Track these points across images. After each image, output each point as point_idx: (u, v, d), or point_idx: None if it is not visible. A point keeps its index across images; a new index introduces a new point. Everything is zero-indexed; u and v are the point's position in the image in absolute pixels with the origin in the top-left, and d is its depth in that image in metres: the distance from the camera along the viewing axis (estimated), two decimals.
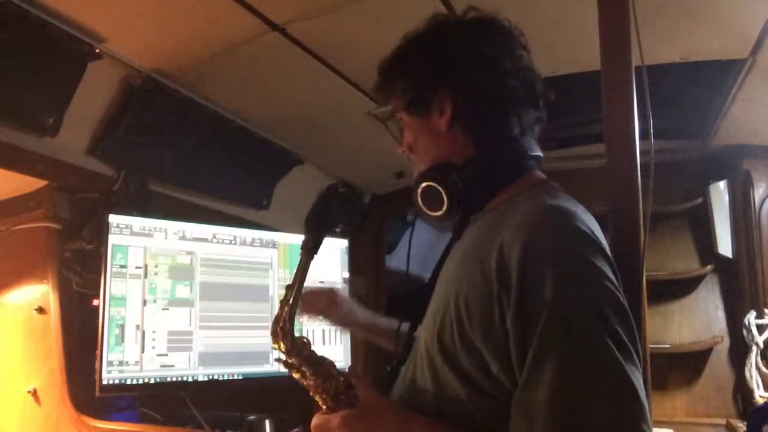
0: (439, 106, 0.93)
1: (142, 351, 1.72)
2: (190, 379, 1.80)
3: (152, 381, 1.73)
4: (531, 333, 0.69)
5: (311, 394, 0.88)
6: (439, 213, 0.92)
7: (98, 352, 1.64)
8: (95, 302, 1.72)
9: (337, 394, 0.85)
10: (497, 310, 0.74)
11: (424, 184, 0.93)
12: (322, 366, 0.87)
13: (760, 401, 2.43)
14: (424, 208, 0.93)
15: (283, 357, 0.87)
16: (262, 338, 1.96)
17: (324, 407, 0.87)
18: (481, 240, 0.84)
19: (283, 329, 0.86)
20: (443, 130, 0.93)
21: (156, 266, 1.79)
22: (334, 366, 0.88)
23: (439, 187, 0.91)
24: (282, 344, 0.86)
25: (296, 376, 0.88)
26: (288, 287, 0.88)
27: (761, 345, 2.51)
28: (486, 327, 0.75)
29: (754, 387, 2.49)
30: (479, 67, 0.92)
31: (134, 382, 1.70)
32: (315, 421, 0.86)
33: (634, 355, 0.70)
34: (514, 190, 0.91)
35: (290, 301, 0.87)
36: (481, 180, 0.91)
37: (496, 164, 0.92)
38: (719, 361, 2.68)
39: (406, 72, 0.96)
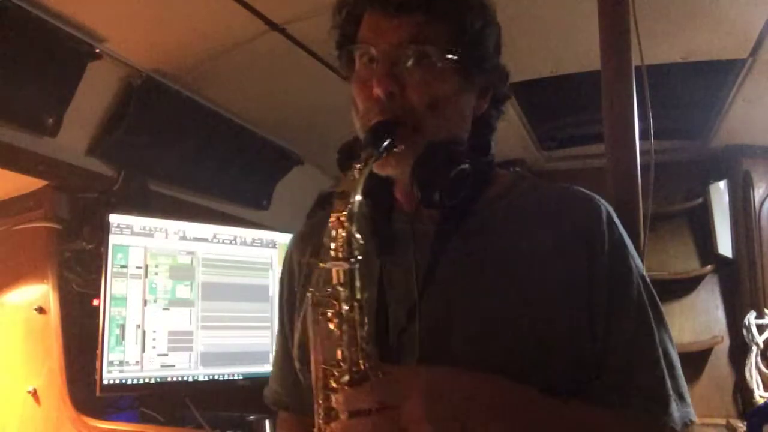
0: (484, 84, 0.83)
1: (143, 351, 1.72)
2: (190, 379, 1.80)
3: (153, 381, 1.73)
4: (626, 295, 0.76)
5: (319, 350, 0.70)
6: (453, 202, 0.78)
7: (99, 352, 1.64)
8: (95, 302, 1.72)
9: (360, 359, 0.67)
10: (585, 278, 0.75)
11: (464, 166, 0.77)
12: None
13: (760, 401, 2.44)
14: (442, 190, 0.76)
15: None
16: (263, 338, 1.96)
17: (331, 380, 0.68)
18: (519, 228, 0.79)
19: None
20: (470, 113, 0.82)
21: (156, 266, 1.79)
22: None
23: (468, 173, 0.77)
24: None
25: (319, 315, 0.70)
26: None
27: (761, 345, 2.52)
28: (573, 293, 0.75)
29: (754, 387, 2.49)
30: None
31: (135, 382, 1.69)
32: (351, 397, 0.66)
33: None
34: (498, 185, 0.85)
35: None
36: (485, 174, 0.84)
37: (492, 161, 0.88)
38: (719, 361, 2.69)
39: (462, 14, 0.79)
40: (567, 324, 0.74)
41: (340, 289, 0.68)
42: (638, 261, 0.80)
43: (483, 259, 0.78)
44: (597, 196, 0.83)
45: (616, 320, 0.75)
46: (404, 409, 0.63)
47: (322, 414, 0.69)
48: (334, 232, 0.68)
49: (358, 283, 0.68)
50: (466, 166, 0.77)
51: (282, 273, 0.99)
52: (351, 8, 0.83)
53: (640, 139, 1.07)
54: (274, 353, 1.02)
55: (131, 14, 1.51)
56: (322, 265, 0.69)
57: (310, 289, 0.70)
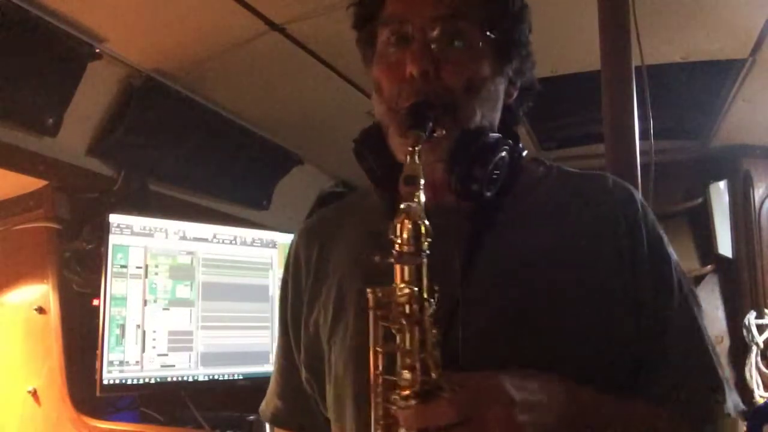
0: (517, 70, 0.78)
1: (143, 351, 1.72)
2: (190, 379, 1.80)
3: (153, 381, 1.73)
4: (666, 283, 0.74)
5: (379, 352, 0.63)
6: (488, 193, 0.72)
7: (99, 352, 1.64)
8: (95, 302, 1.72)
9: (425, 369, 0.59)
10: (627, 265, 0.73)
11: (502, 155, 0.72)
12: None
13: (760, 401, 2.43)
14: (482, 182, 0.71)
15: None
16: (263, 338, 1.96)
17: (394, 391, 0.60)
18: (560, 220, 0.75)
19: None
20: (502, 99, 0.78)
21: (156, 266, 1.79)
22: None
23: (505, 164, 0.73)
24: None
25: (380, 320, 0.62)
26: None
27: (761, 345, 2.52)
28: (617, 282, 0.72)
29: (754, 387, 2.49)
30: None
31: (135, 382, 1.69)
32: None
33: None
34: (528, 176, 0.81)
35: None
36: (517, 164, 0.79)
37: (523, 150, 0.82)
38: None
39: (507, 4, 0.75)
40: (614, 320, 0.71)
41: (406, 287, 0.60)
42: (671, 249, 0.78)
43: (522, 256, 0.73)
44: (628, 184, 0.81)
45: (663, 311, 0.73)
46: (487, 421, 0.57)
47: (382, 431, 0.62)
48: (404, 222, 0.60)
49: (425, 281, 0.61)
50: (505, 155, 0.73)
51: (286, 272, 0.90)
52: None
53: (640, 139, 1.07)
54: (275, 363, 0.93)
55: (131, 14, 1.51)
56: (393, 261, 0.61)
57: (370, 288, 0.63)
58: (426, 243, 0.60)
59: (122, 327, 1.69)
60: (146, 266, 1.77)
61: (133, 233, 1.76)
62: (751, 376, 2.51)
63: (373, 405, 0.63)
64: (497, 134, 0.74)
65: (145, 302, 1.75)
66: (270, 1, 1.49)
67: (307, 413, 0.87)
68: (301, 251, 0.88)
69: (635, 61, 1.06)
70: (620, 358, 0.71)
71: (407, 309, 0.60)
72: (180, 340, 1.80)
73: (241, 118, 2.15)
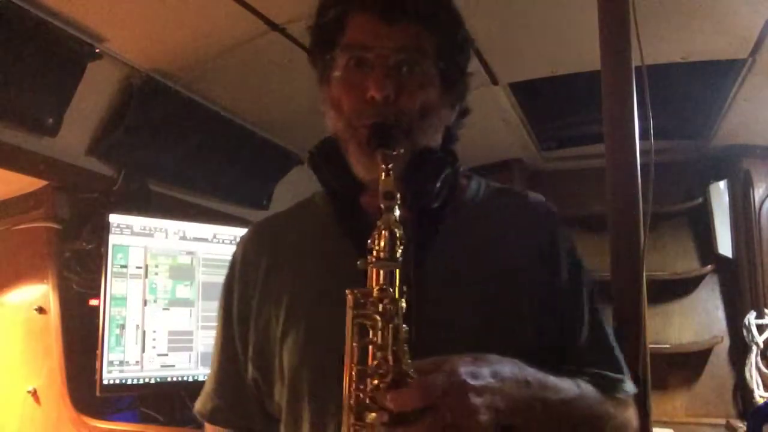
0: (456, 96, 0.86)
1: (143, 351, 1.72)
2: (190, 379, 1.80)
3: (153, 381, 1.73)
4: (577, 291, 0.85)
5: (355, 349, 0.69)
6: (434, 205, 0.83)
7: (99, 352, 1.64)
8: (92, 302, 1.72)
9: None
10: (548, 278, 0.84)
11: (448, 172, 0.83)
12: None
13: (760, 401, 2.43)
14: (431, 195, 0.82)
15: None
16: None
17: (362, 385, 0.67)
18: (492, 228, 0.87)
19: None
20: (444, 120, 0.86)
21: (156, 266, 1.79)
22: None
23: (450, 179, 0.83)
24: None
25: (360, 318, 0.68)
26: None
27: (761, 345, 2.52)
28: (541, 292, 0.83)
29: (754, 387, 2.49)
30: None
31: (135, 382, 1.70)
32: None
33: None
34: (464, 190, 0.91)
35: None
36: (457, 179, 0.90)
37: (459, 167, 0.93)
38: (719, 361, 2.68)
39: (451, 29, 0.83)
40: (538, 315, 0.81)
41: (384, 289, 0.67)
42: (579, 254, 0.90)
43: (462, 258, 0.83)
44: (546, 201, 0.92)
45: (580, 314, 0.85)
46: (445, 406, 0.63)
47: (353, 419, 0.67)
48: (383, 232, 0.68)
49: (398, 283, 0.68)
50: (450, 171, 0.83)
51: (231, 272, 0.93)
52: (339, 11, 0.82)
53: (640, 139, 1.07)
54: (213, 362, 0.96)
55: (131, 14, 1.51)
56: (372, 265, 0.68)
57: (349, 290, 0.69)
58: (400, 250, 0.68)
59: (122, 327, 1.69)
60: (146, 266, 1.77)
61: (133, 233, 1.76)
62: (751, 376, 2.51)
63: (346, 394, 0.68)
64: (442, 153, 0.85)
65: (145, 302, 1.75)
66: (270, 1, 1.49)
67: (246, 411, 0.90)
68: (250, 251, 0.93)
69: (635, 61, 1.06)
70: (543, 341, 0.81)
71: (381, 308, 0.67)
72: (180, 340, 1.80)
73: (241, 118, 2.15)
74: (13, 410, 1.80)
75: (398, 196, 0.70)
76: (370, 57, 0.79)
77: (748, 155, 2.65)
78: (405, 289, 0.68)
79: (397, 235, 0.68)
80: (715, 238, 2.69)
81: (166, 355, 1.77)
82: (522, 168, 2.89)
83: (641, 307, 1.05)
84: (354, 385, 0.67)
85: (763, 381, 2.50)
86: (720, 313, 2.75)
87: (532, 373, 0.73)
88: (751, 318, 2.54)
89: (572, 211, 2.87)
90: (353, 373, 0.68)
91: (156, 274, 1.79)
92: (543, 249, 0.85)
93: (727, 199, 2.71)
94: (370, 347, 0.67)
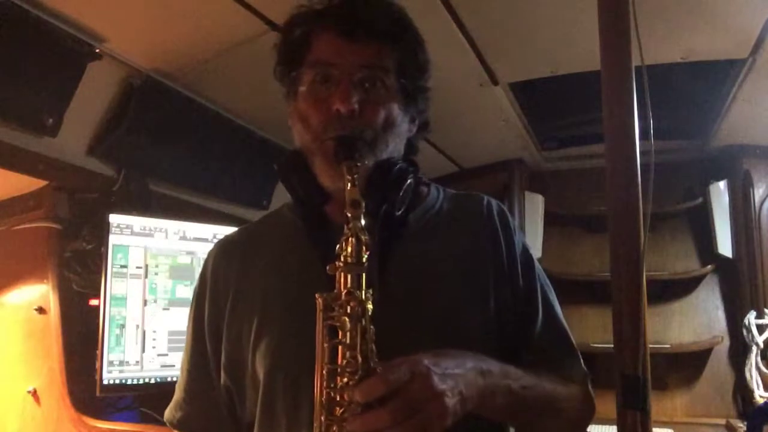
0: (417, 111, 0.91)
1: (143, 351, 1.72)
2: None
3: (153, 381, 1.73)
4: (531, 281, 0.93)
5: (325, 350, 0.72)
6: (399, 213, 0.88)
7: (99, 352, 1.64)
8: (92, 302, 1.72)
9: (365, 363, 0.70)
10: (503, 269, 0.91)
11: (410, 181, 0.88)
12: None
13: (760, 401, 2.44)
14: (393, 204, 0.87)
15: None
16: None
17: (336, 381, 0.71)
18: (450, 231, 0.92)
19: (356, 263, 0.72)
20: (405, 132, 0.91)
21: (156, 266, 1.80)
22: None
23: (411, 188, 0.89)
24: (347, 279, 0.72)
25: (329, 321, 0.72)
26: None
27: (761, 345, 2.52)
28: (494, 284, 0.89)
29: (754, 387, 2.49)
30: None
31: (134, 381, 1.70)
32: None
33: None
34: (424, 198, 0.96)
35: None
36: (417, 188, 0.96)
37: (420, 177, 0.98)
38: (719, 361, 2.69)
39: (411, 48, 0.88)
40: (497, 310, 0.88)
41: (351, 292, 0.71)
42: (527, 242, 0.98)
43: (424, 262, 0.88)
44: (486, 196, 0.99)
45: (536, 304, 0.92)
46: (412, 391, 0.67)
47: (325, 414, 0.71)
48: (350, 239, 0.72)
49: (364, 286, 0.72)
50: (411, 181, 0.88)
51: (202, 282, 0.96)
52: (305, 30, 0.87)
53: (640, 139, 1.07)
54: (182, 371, 0.96)
55: (131, 14, 1.51)
56: (340, 270, 0.72)
57: (318, 294, 0.73)
58: (366, 255, 0.72)
59: (122, 327, 1.69)
60: (146, 266, 1.77)
61: (133, 233, 1.76)
62: (751, 376, 2.51)
63: (317, 393, 0.71)
64: (405, 163, 0.89)
65: (145, 302, 1.75)
66: (270, 1, 1.49)
67: (216, 418, 0.92)
68: (220, 263, 0.96)
69: (635, 61, 1.06)
70: (502, 334, 0.88)
71: (349, 309, 0.71)
72: (180, 340, 1.80)
73: (241, 118, 2.15)
74: (13, 410, 1.80)
75: (363, 204, 0.73)
76: (335, 73, 0.84)
77: (748, 155, 2.65)
78: (371, 291, 0.72)
79: (363, 240, 0.72)
80: (714, 238, 2.70)
81: (166, 355, 1.77)
82: (522, 168, 2.89)
83: (641, 307, 1.05)
84: (325, 383, 0.71)
85: (763, 381, 2.51)
86: (720, 313, 2.75)
87: (493, 363, 0.78)
88: (751, 318, 2.55)
89: (572, 211, 2.89)
90: (324, 372, 0.71)
91: (156, 274, 1.79)
92: (497, 246, 0.91)
93: (727, 199, 2.71)
94: (340, 347, 0.71)
